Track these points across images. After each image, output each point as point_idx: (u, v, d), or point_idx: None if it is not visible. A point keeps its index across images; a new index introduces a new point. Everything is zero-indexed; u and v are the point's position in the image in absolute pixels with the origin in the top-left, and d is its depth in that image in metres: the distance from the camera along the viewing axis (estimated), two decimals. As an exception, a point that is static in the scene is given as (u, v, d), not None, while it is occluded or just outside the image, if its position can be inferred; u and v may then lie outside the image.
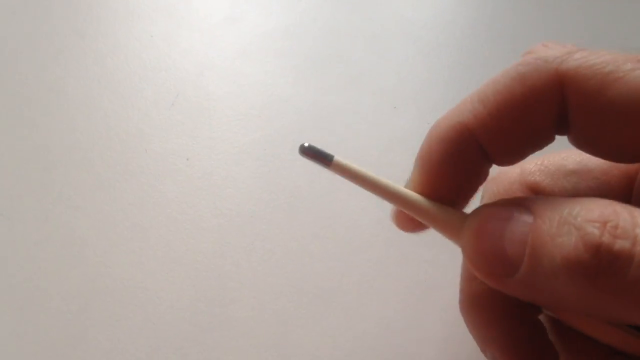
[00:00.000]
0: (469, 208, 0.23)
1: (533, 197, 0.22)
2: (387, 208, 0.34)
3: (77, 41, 0.43)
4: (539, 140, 0.22)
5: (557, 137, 0.22)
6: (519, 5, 0.48)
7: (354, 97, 0.40)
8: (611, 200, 0.18)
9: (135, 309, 0.30)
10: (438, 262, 0.33)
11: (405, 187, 0.24)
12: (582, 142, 0.21)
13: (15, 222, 0.33)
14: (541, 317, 0.24)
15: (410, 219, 0.25)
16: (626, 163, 0.21)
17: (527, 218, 0.20)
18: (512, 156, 0.22)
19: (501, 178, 0.26)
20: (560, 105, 0.20)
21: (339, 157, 0.23)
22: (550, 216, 0.19)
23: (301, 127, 0.38)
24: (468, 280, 0.25)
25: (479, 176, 0.23)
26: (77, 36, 0.43)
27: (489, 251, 0.20)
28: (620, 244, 0.17)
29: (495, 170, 0.23)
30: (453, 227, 0.22)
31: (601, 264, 0.17)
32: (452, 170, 0.22)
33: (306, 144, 0.23)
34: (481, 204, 0.22)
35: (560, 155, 0.25)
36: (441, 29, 0.46)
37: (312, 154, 0.23)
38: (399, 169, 0.36)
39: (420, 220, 0.24)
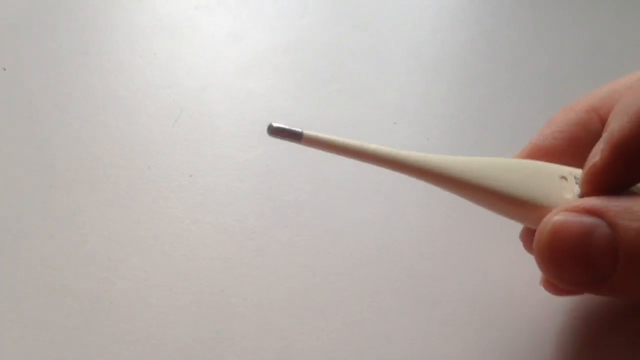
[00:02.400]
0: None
1: (598, 201, 0.21)
2: (391, 220, 0.35)
3: (82, 59, 0.44)
4: None
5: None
6: (517, 21, 0.49)
7: (355, 112, 0.41)
8: None
9: (139, 324, 0.31)
10: (440, 277, 0.33)
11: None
12: None
13: (20, 239, 0.34)
14: None
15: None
16: None
17: (604, 230, 0.20)
18: None
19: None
20: None
21: (308, 131, 0.24)
22: (628, 226, 0.19)
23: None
24: None
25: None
26: (81, 54, 0.44)
27: (573, 264, 0.21)
28: None
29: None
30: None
31: None
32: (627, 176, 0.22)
33: (274, 124, 0.23)
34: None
35: None
36: (441, 44, 0.47)
37: (282, 132, 0.23)
38: (400, 185, 0.37)
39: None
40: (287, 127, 0.24)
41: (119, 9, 0.48)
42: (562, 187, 0.24)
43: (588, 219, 0.21)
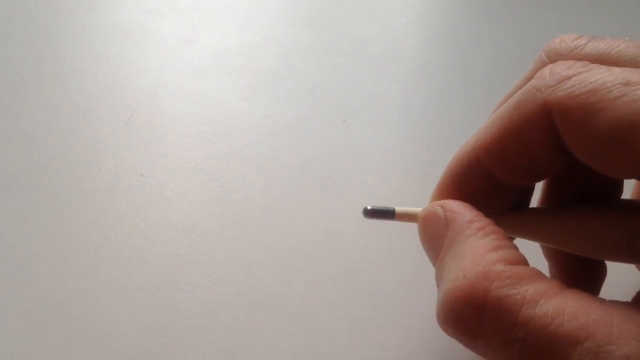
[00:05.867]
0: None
1: (453, 210, 0.24)
2: (338, 214, 0.36)
3: (35, 65, 0.44)
4: (544, 163, 0.23)
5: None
6: (463, 22, 0.50)
7: (305, 111, 0.42)
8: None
9: (88, 322, 0.31)
10: (384, 268, 0.34)
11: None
12: (582, 162, 0.22)
13: (-30, 242, 0.34)
14: None
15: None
16: (625, 178, 0.23)
17: (440, 245, 0.23)
18: (519, 178, 0.24)
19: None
20: (553, 133, 0.22)
21: (399, 208, 0.26)
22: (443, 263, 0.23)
23: (252, 141, 0.40)
24: None
25: (490, 193, 0.25)
26: (34, 60, 0.44)
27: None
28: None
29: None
30: None
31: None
32: (462, 188, 0.25)
33: (369, 207, 0.26)
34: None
35: None
36: (389, 44, 0.48)
37: (376, 213, 0.26)
38: (347, 180, 0.38)
39: None
40: (381, 207, 0.26)
41: (71, 16, 0.48)
42: None
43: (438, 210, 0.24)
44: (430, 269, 0.34)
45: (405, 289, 0.33)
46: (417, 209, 0.26)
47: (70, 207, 0.36)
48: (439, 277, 0.23)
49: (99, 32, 0.47)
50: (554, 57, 0.25)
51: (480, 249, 0.21)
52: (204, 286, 0.33)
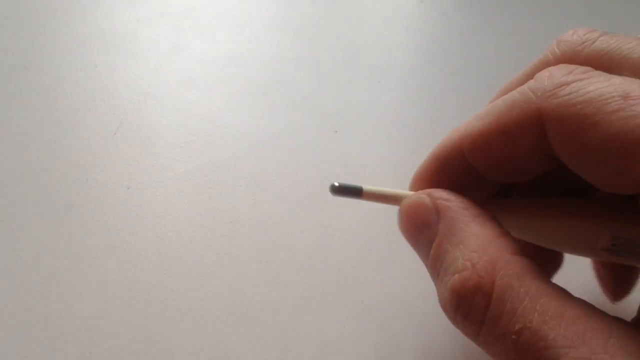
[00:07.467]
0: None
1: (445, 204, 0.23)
2: (329, 228, 0.35)
3: (21, 73, 0.43)
4: (529, 166, 0.23)
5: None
6: (458, 30, 0.50)
7: (296, 122, 0.41)
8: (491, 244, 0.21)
9: (72, 338, 0.30)
10: (375, 283, 0.33)
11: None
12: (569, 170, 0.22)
13: (-48, 255, 0.33)
14: None
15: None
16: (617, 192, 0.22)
17: (432, 233, 0.23)
18: (502, 175, 0.24)
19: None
20: (542, 139, 0.21)
21: (367, 186, 0.25)
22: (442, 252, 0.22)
23: (243, 153, 0.39)
24: None
25: (469, 185, 0.25)
26: (21, 68, 0.43)
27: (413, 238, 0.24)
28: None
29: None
30: None
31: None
32: (442, 177, 0.25)
33: (336, 184, 0.24)
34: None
35: None
36: (382, 53, 0.47)
37: (343, 190, 0.24)
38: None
39: None
40: (349, 185, 0.24)
41: (59, 23, 0.47)
42: None
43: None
44: (422, 285, 0.33)
45: (396, 304, 0.33)
46: (386, 189, 0.25)
47: (56, 219, 0.35)
48: (438, 265, 0.22)
49: (87, 40, 0.46)
50: (564, 48, 0.24)
51: (485, 236, 0.21)
52: (192, 301, 0.32)
